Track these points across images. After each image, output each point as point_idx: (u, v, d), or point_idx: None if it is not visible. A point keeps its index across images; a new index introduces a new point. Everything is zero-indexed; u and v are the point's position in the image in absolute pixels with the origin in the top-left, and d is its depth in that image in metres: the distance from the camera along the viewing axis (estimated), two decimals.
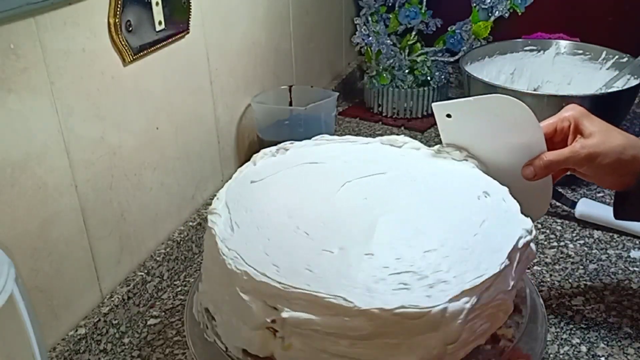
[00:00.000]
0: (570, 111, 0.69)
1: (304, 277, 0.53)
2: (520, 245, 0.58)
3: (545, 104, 0.97)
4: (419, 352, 0.51)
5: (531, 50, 1.20)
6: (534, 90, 1.18)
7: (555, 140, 0.70)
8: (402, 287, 0.52)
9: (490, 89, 1.00)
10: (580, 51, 1.16)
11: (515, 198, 0.66)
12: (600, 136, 0.66)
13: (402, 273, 0.54)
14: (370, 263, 0.55)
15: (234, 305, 0.55)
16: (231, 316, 0.56)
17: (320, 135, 0.77)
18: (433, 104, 0.72)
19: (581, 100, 0.93)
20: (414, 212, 0.64)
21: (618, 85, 1.06)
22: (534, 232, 0.61)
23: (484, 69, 1.17)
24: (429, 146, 0.76)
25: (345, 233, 0.59)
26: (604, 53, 1.13)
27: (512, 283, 0.57)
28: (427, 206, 0.65)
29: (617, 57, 1.11)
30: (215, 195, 0.66)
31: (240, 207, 0.63)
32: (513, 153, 0.69)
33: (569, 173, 0.72)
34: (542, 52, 1.19)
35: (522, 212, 0.63)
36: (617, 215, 0.73)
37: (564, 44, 1.18)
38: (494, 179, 0.69)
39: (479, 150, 0.72)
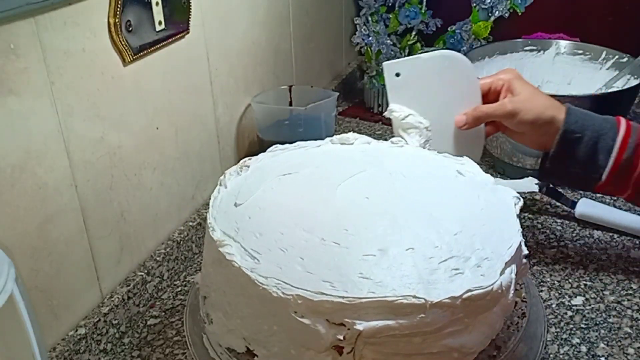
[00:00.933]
0: (506, 74, 0.78)
1: (364, 285, 0.52)
2: (517, 211, 0.63)
3: None
4: (483, 329, 0.53)
5: (531, 50, 1.20)
6: None
7: (489, 97, 0.78)
8: (455, 272, 0.54)
9: None
10: (580, 51, 1.16)
11: (453, 146, 0.76)
12: (527, 95, 0.75)
13: (448, 260, 0.55)
14: (415, 257, 0.56)
15: (291, 333, 0.52)
16: (288, 346, 0.53)
17: (274, 146, 0.75)
18: (384, 63, 0.78)
19: (581, 100, 0.93)
20: (418, 201, 0.64)
21: (618, 85, 1.06)
22: (521, 199, 0.65)
23: (484, 69, 1.17)
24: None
25: (373, 234, 0.59)
26: (604, 53, 1.13)
27: (525, 248, 0.60)
28: (423, 193, 0.66)
29: (617, 57, 1.11)
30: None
31: (246, 233, 0.59)
32: (452, 106, 0.78)
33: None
34: (542, 52, 1.19)
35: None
36: (539, 176, 0.81)
37: (564, 44, 1.18)
38: (436, 132, 0.77)
39: (422, 107, 0.78)
